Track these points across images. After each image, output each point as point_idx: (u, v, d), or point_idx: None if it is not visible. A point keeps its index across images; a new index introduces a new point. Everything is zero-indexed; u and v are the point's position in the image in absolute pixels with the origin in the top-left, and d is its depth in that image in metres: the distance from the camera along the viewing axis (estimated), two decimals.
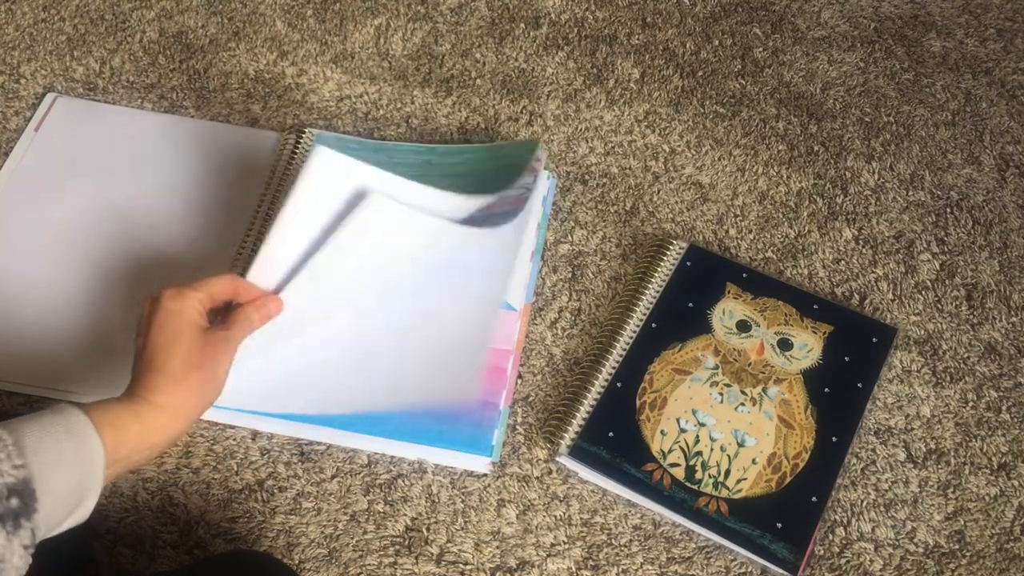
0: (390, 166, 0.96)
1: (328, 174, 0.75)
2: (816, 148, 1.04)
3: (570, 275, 0.92)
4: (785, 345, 0.87)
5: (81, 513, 0.57)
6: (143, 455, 0.62)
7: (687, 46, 1.13)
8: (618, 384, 0.84)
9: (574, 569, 0.76)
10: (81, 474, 0.56)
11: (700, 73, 1.10)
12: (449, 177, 0.93)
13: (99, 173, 0.95)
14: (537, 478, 0.80)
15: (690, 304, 0.89)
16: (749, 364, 0.86)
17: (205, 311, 0.70)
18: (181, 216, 0.93)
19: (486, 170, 0.93)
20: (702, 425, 0.82)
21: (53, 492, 0.53)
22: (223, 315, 0.73)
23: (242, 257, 0.89)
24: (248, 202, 0.94)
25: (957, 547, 0.79)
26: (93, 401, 0.61)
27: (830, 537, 0.79)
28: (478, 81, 1.07)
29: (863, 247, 0.96)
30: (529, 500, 0.79)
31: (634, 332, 0.87)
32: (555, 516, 0.78)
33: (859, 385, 0.85)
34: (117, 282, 0.88)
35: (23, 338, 0.84)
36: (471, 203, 0.82)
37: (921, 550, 0.78)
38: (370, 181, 0.76)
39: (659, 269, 0.91)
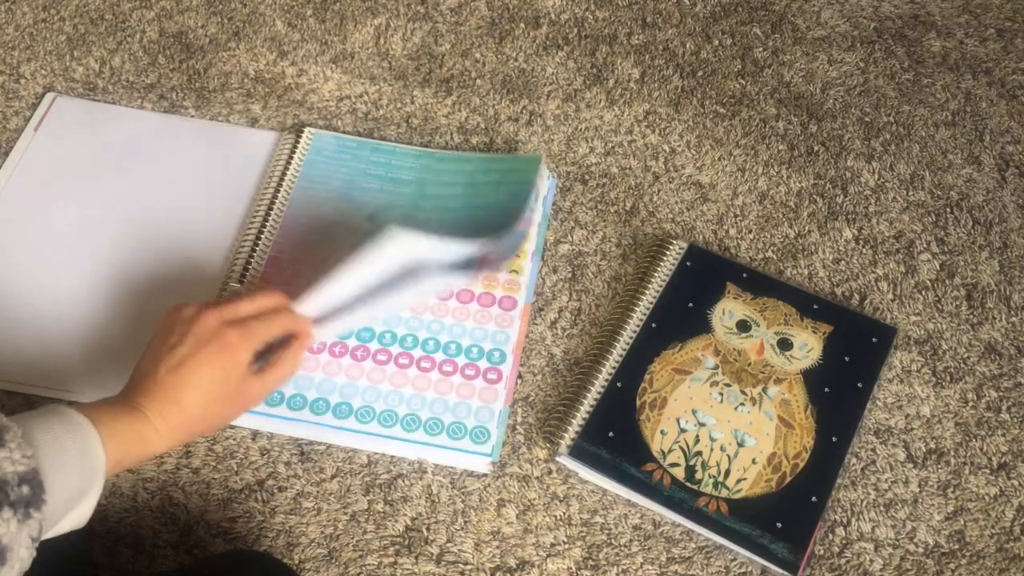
0: (388, 167, 0.97)
1: (394, 251, 0.74)
2: (816, 148, 1.04)
3: (570, 275, 0.92)
4: (785, 345, 0.87)
5: (78, 516, 0.57)
6: (133, 464, 0.63)
7: (687, 46, 1.13)
8: (618, 384, 0.84)
9: (574, 569, 0.76)
10: (83, 474, 0.57)
11: (700, 73, 1.10)
12: (444, 195, 0.93)
13: (99, 173, 0.95)
14: (537, 478, 0.80)
15: (690, 304, 0.89)
16: (749, 364, 0.86)
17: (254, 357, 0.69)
18: (181, 216, 0.93)
19: (484, 183, 0.93)
20: (702, 425, 0.82)
21: (58, 487, 0.53)
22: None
23: (241, 257, 0.89)
24: (248, 202, 0.94)
25: (957, 547, 0.79)
26: (93, 402, 0.62)
27: (830, 537, 0.79)
28: (478, 81, 1.07)
29: (863, 247, 0.96)
30: (529, 500, 0.79)
31: (634, 332, 0.87)
32: (555, 516, 0.78)
33: (859, 385, 0.85)
34: (117, 282, 0.88)
35: (22, 337, 0.84)
36: (463, 249, 0.80)
37: (921, 550, 0.78)
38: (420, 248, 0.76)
39: (659, 269, 0.91)
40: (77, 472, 0.56)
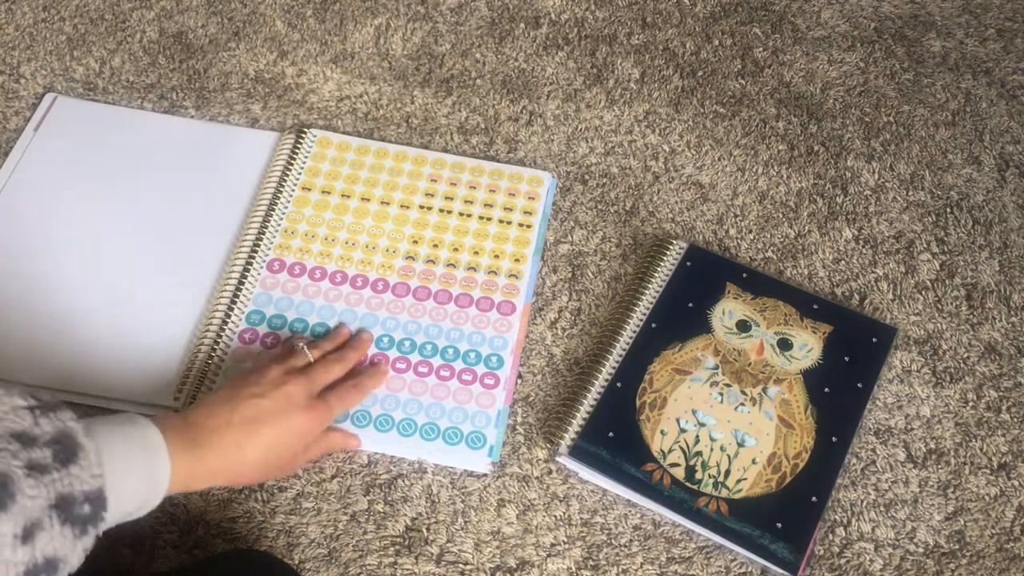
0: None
1: None
2: (816, 148, 1.04)
3: (570, 275, 0.92)
4: (785, 345, 0.87)
5: (135, 516, 0.60)
6: (178, 491, 0.65)
7: (687, 46, 1.13)
8: (618, 384, 0.84)
9: (574, 569, 0.76)
10: (144, 496, 0.59)
11: (700, 73, 1.10)
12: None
13: (98, 173, 0.95)
14: (537, 478, 0.80)
15: (690, 304, 0.89)
16: (749, 364, 0.86)
17: None
18: (181, 216, 0.93)
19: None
20: (702, 425, 0.82)
21: (119, 508, 0.55)
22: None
23: (240, 257, 0.89)
24: (248, 202, 0.94)
25: (957, 547, 0.79)
26: (167, 418, 0.64)
27: (830, 537, 0.79)
28: (478, 81, 1.07)
29: (863, 247, 0.96)
30: (529, 500, 0.79)
31: (634, 332, 0.87)
32: (555, 516, 0.78)
33: (859, 385, 0.85)
34: (115, 282, 0.88)
35: (22, 338, 0.84)
36: None
37: (921, 550, 0.78)
38: None
39: (659, 269, 0.91)
40: (140, 494, 0.59)
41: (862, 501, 0.80)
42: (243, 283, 0.87)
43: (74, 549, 0.50)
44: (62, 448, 0.52)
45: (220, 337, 0.84)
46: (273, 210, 0.92)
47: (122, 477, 0.56)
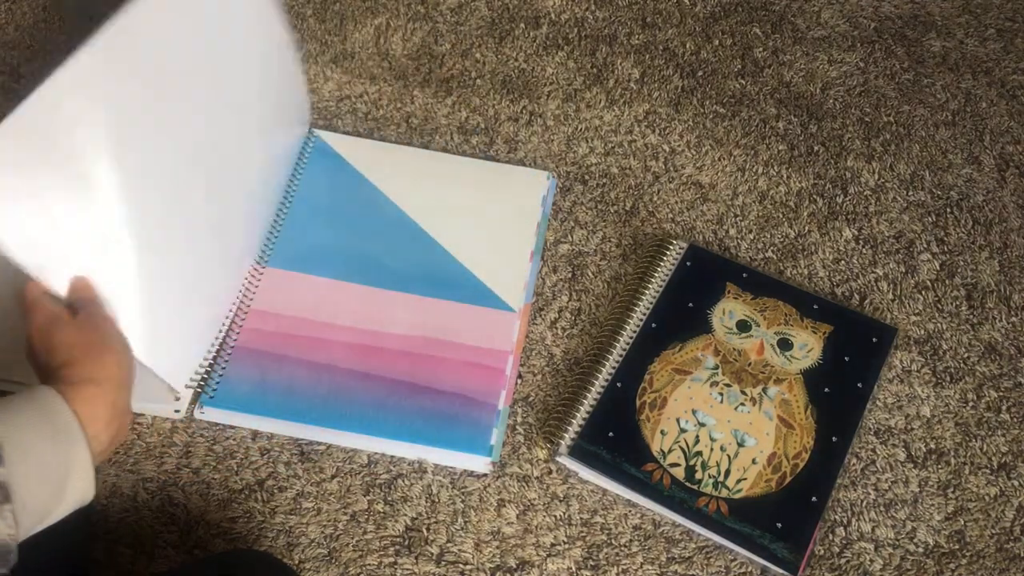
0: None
1: None
2: (816, 148, 1.04)
3: (570, 275, 0.92)
4: (785, 345, 0.87)
5: (81, 492, 0.53)
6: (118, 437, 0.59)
7: (687, 46, 1.13)
8: (618, 384, 0.84)
9: (574, 569, 0.76)
10: (59, 450, 0.53)
11: (700, 73, 1.10)
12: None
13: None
14: (537, 478, 0.80)
15: (690, 304, 0.89)
16: (749, 364, 0.86)
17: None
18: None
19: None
20: (702, 425, 0.82)
21: (33, 473, 0.50)
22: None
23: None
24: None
25: (957, 547, 0.79)
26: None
27: (830, 537, 0.79)
28: (478, 81, 1.07)
29: (863, 247, 0.96)
30: (529, 500, 0.79)
31: (634, 332, 0.87)
32: (555, 516, 0.78)
33: (859, 385, 0.85)
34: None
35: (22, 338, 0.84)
36: None
37: (921, 550, 0.78)
38: None
39: (659, 269, 0.91)
40: (50, 450, 0.52)
41: (862, 501, 0.80)
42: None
43: None
44: None
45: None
46: (283, 206, 0.92)
47: (17, 441, 0.50)
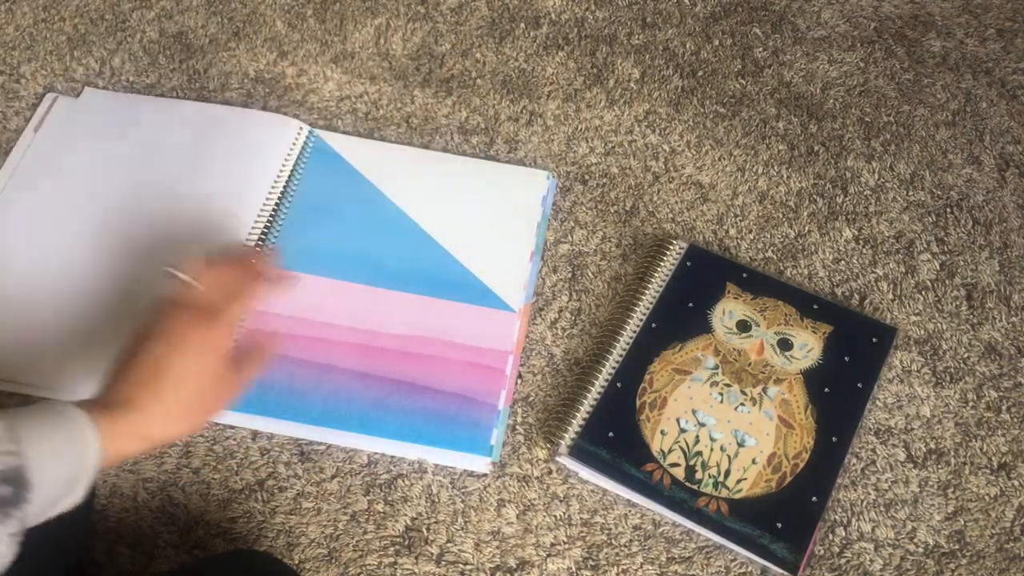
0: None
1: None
2: (816, 148, 1.04)
3: (570, 275, 0.92)
4: (785, 345, 0.87)
5: (72, 499, 0.55)
6: (133, 450, 0.61)
7: (687, 46, 1.13)
8: (618, 384, 0.84)
9: (574, 569, 0.76)
10: (74, 462, 0.54)
11: (700, 73, 1.10)
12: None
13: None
14: (537, 478, 0.80)
15: (690, 304, 0.89)
16: (749, 364, 0.86)
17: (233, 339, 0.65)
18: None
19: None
20: (702, 425, 0.82)
21: (48, 480, 0.51)
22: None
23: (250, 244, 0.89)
24: (252, 194, 0.94)
25: (957, 547, 0.79)
26: (86, 399, 0.60)
27: (830, 537, 0.79)
28: (478, 81, 1.07)
29: (863, 247, 0.96)
30: (529, 500, 0.79)
31: (634, 332, 0.87)
32: (555, 516, 0.78)
33: (859, 385, 0.85)
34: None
35: (22, 338, 0.84)
36: None
37: (921, 550, 0.78)
38: None
39: (659, 269, 0.91)
40: (68, 456, 0.54)
41: (862, 501, 0.80)
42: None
43: None
44: None
45: None
46: (283, 202, 0.92)
47: (41, 450, 0.51)
